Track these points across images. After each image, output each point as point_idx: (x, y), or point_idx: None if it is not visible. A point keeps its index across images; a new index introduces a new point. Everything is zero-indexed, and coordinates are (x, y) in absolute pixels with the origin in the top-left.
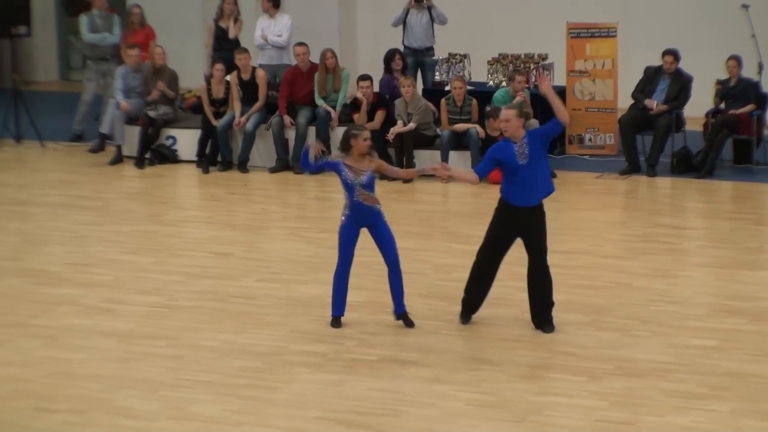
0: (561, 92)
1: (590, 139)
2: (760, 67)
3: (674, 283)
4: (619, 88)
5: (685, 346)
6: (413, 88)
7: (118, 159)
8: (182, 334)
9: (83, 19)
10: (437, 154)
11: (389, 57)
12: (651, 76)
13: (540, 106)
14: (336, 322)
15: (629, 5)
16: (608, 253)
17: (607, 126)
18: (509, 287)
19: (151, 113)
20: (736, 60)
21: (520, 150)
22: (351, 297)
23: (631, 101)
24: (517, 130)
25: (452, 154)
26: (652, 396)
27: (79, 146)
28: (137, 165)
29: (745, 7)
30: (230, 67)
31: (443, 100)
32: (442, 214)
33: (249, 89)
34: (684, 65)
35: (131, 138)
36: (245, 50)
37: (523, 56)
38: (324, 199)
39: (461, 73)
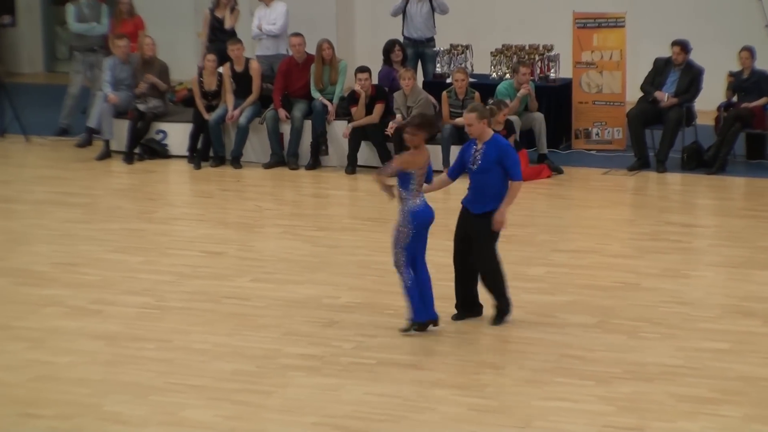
0: (567, 85)
1: (597, 134)
2: None
3: (685, 283)
4: (628, 81)
5: (696, 348)
6: (413, 80)
7: (106, 154)
8: (173, 337)
9: (70, 9)
10: (438, 149)
11: (388, 48)
12: (661, 68)
13: (545, 100)
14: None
15: None
16: (616, 252)
17: (615, 120)
18: (512, 288)
19: (141, 106)
20: (749, 51)
21: (475, 155)
22: (348, 298)
23: (640, 94)
24: (481, 132)
25: (454, 149)
26: (662, 401)
27: (65, 141)
28: (126, 160)
29: None
30: (224, 58)
31: (444, 93)
32: (443, 213)
33: (242, 81)
34: (695, 57)
35: (120, 132)
36: (239, 41)
37: (527, 47)
38: (320, 196)
39: (463, 65)
